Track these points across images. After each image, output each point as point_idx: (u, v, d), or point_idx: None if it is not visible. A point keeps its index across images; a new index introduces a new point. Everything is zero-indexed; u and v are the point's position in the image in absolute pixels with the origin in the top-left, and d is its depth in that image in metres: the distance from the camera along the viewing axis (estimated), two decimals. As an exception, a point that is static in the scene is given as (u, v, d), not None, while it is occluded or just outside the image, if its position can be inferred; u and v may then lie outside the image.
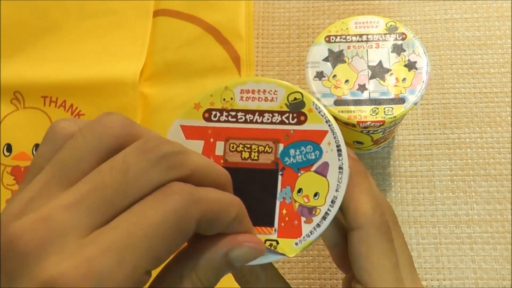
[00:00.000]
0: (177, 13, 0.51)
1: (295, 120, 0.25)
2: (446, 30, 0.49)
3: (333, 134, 0.25)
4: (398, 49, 0.37)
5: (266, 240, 0.23)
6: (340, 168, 0.24)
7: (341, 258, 0.28)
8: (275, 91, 0.26)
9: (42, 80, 0.48)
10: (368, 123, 0.35)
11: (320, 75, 0.37)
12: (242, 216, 0.20)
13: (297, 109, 0.25)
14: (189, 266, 0.19)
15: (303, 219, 0.23)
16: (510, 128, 0.45)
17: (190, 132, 0.25)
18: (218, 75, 0.49)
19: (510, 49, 0.47)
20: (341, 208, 0.24)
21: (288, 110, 0.25)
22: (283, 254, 0.23)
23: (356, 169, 0.25)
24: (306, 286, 0.42)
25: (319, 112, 0.25)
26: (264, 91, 0.26)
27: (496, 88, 0.46)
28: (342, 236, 0.28)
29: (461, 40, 0.48)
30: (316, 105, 0.25)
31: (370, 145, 0.42)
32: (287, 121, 0.25)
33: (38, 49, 0.50)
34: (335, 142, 0.25)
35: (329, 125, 0.25)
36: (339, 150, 0.24)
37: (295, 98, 0.26)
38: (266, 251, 0.22)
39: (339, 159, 0.24)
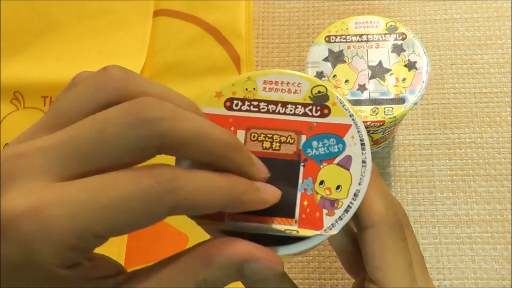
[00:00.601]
0: (177, 13, 0.51)
1: (319, 112, 0.25)
2: (446, 30, 0.49)
3: (357, 128, 0.24)
4: (398, 49, 0.37)
5: (287, 229, 0.23)
6: (364, 162, 0.24)
7: (350, 262, 0.28)
8: (299, 83, 0.25)
9: (42, 80, 0.48)
10: (368, 123, 0.35)
11: (320, 75, 0.37)
12: (241, 202, 0.19)
13: (321, 102, 0.25)
14: (199, 263, 0.19)
15: (324, 211, 0.23)
16: (510, 128, 0.45)
17: (210, 120, 0.25)
18: (218, 75, 0.49)
19: (510, 49, 0.47)
20: None
21: (311, 102, 0.25)
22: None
23: None
24: (306, 286, 0.42)
25: (343, 106, 0.25)
26: (288, 83, 0.25)
27: (496, 88, 0.46)
28: (350, 240, 0.28)
29: (461, 40, 0.48)
30: (340, 99, 0.25)
31: (370, 145, 0.42)
32: (310, 114, 0.25)
33: (38, 49, 0.50)
34: (359, 136, 0.24)
35: (353, 119, 0.24)
36: (362, 144, 0.24)
37: (319, 91, 0.25)
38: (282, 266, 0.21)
39: (362, 153, 0.24)
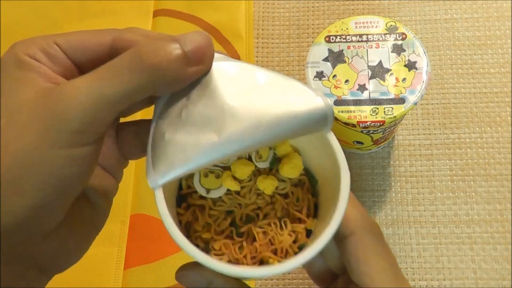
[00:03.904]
0: (177, 13, 0.51)
1: None
2: (446, 30, 0.49)
3: None
4: (398, 49, 0.37)
5: None
6: None
7: (318, 274, 0.29)
8: None
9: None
10: (368, 123, 0.35)
11: (320, 75, 0.37)
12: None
13: None
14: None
15: None
16: (510, 128, 0.45)
17: None
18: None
19: (510, 49, 0.47)
20: None
21: None
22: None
23: None
24: (306, 286, 0.42)
25: None
26: None
27: (496, 88, 0.46)
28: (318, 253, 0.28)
29: (461, 40, 0.48)
30: None
31: (370, 145, 0.42)
32: None
33: (38, 49, 0.50)
34: None
35: None
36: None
37: None
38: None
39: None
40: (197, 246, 0.26)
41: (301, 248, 0.25)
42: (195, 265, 0.22)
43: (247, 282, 0.25)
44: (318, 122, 0.22)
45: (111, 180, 0.25)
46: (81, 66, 0.21)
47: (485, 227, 0.42)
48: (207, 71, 0.22)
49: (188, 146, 0.21)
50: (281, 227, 0.26)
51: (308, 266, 0.29)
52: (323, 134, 0.23)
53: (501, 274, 0.41)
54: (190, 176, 0.26)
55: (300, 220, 0.26)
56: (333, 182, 0.23)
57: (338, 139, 0.23)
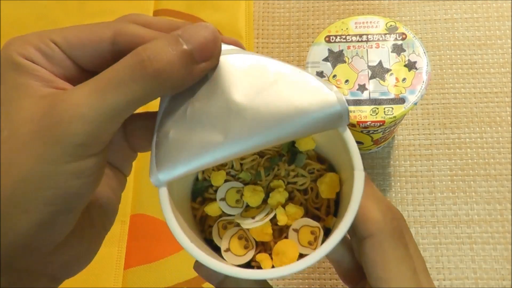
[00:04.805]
0: (177, 13, 0.51)
1: None
2: (446, 30, 0.49)
3: None
4: (398, 49, 0.37)
5: None
6: None
7: (347, 272, 0.27)
8: None
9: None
10: (368, 123, 0.35)
11: (320, 75, 0.37)
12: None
13: None
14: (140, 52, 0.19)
15: None
16: (510, 128, 0.45)
17: None
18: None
19: (510, 49, 0.47)
20: None
21: None
22: None
23: None
24: (306, 286, 0.42)
25: None
26: None
27: (496, 88, 0.46)
28: (347, 250, 0.27)
29: (461, 40, 0.48)
30: None
31: (370, 145, 0.42)
32: None
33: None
34: None
35: None
36: None
37: None
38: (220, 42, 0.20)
39: None
40: (211, 241, 0.25)
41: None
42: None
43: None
44: (332, 120, 0.21)
45: (120, 176, 0.24)
46: (82, 64, 0.20)
47: (485, 227, 0.42)
48: (214, 66, 0.21)
49: (193, 146, 0.20)
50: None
51: (337, 263, 0.27)
52: (338, 131, 0.22)
53: (501, 274, 0.41)
54: (207, 169, 0.25)
55: (319, 218, 0.25)
56: (351, 181, 0.22)
57: None
